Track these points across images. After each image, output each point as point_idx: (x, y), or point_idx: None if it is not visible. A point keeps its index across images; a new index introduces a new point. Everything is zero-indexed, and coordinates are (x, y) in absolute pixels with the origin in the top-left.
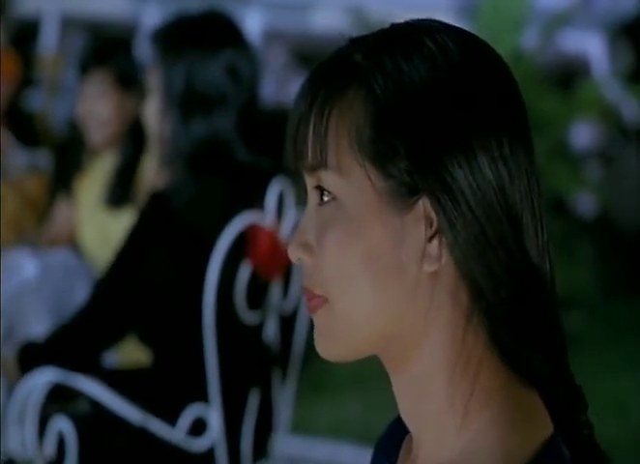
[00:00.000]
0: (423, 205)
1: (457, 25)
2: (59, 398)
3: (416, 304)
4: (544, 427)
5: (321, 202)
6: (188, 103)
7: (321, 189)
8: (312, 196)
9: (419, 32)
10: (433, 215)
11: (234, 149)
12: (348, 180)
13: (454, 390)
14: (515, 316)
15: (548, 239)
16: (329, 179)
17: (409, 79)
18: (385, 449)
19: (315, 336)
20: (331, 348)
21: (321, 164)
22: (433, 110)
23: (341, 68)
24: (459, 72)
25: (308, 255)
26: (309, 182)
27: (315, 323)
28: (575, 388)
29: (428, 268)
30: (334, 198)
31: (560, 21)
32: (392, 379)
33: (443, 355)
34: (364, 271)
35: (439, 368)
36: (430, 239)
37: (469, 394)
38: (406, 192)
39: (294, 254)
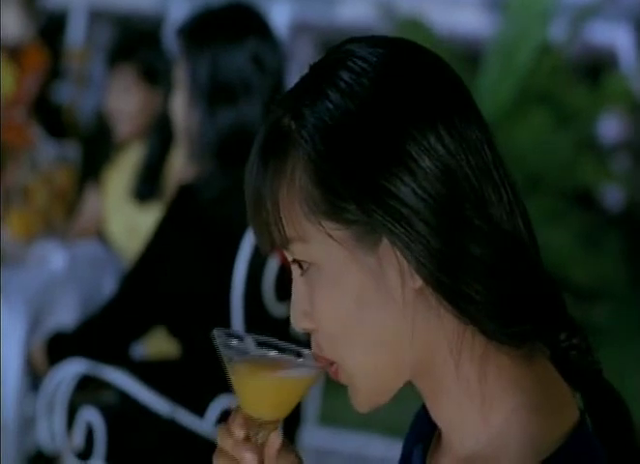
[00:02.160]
0: (386, 238)
1: (375, 35)
2: (87, 390)
3: (410, 324)
4: (570, 410)
5: (302, 271)
6: (213, 95)
7: (298, 261)
8: (294, 268)
9: (333, 67)
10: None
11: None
12: (312, 243)
13: (467, 386)
14: (500, 303)
15: (518, 199)
16: (297, 249)
17: (331, 122)
18: (418, 432)
19: (350, 397)
20: (365, 404)
21: (286, 240)
22: (361, 140)
23: (276, 136)
24: (376, 90)
25: (311, 323)
26: (287, 255)
27: (346, 385)
28: (579, 332)
29: (411, 286)
30: (310, 264)
31: (588, 14)
32: (425, 395)
33: (446, 361)
34: (358, 318)
35: (447, 373)
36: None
37: (482, 385)
38: (367, 233)
39: (299, 325)
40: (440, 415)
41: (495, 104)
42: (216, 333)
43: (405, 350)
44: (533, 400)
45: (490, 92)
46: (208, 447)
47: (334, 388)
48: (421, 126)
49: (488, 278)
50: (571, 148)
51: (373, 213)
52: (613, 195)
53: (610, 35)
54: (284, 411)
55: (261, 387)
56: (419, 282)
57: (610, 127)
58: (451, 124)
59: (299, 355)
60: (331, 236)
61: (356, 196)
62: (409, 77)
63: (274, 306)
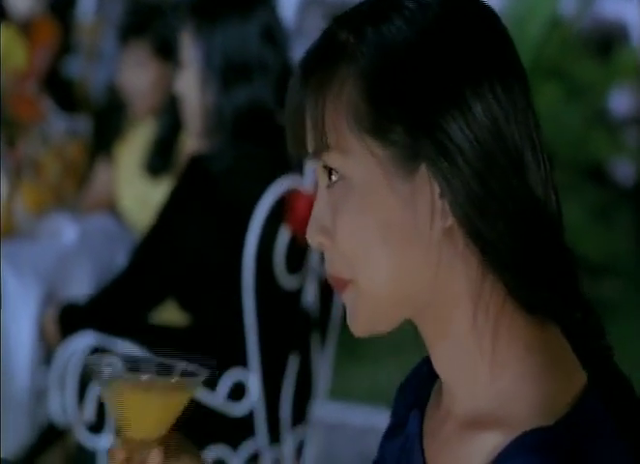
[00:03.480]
0: (426, 168)
1: None
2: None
3: (433, 263)
4: (579, 376)
5: (330, 183)
6: (228, 73)
7: (329, 170)
8: (321, 179)
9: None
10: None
11: (273, 113)
12: (351, 157)
13: (480, 339)
14: (525, 261)
15: (551, 171)
16: (333, 159)
17: (393, 46)
18: (413, 401)
19: (348, 317)
20: (363, 325)
21: (323, 147)
22: (420, 70)
23: (329, 48)
24: (441, 25)
25: (328, 239)
26: (317, 168)
27: (345, 304)
28: (593, 314)
29: (440, 225)
30: (341, 178)
31: None
32: (424, 336)
33: (464, 308)
34: (381, 240)
35: (463, 322)
36: (441, 196)
37: (494, 341)
38: (408, 158)
39: (314, 240)
40: (446, 364)
41: None
42: (88, 359)
43: (423, 285)
44: (543, 363)
45: None
46: (219, 419)
47: (344, 362)
48: (478, 72)
49: (518, 235)
50: (582, 122)
51: (420, 139)
52: (624, 169)
53: (621, 9)
54: (163, 428)
55: (135, 407)
56: (449, 221)
57: (621, 101)
58: (505, 79)
59: (169, 370)
60: (371, 152)
61: (405, 119)
62: (472, 25)
63: (284, 279)
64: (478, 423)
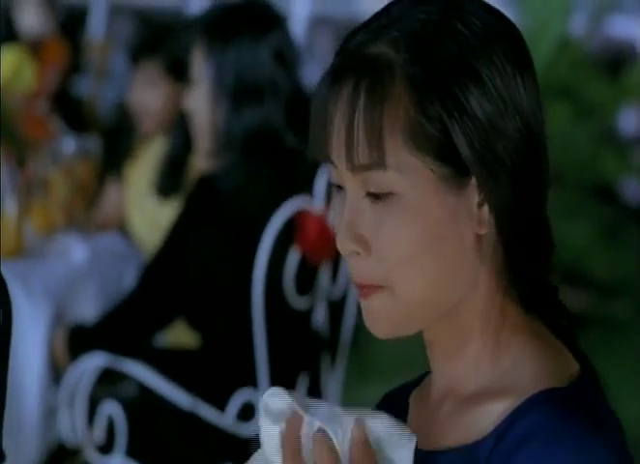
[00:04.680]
0: (475, 181)
1: None
2: (108, 382)
3: (466, 269)
4: (571, 360)
5: (374, 198)
6: (239, 92)
7: (373, 192)
8: (353, 189)
9: (450, 16)
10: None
11: (283, 135)
12: (408, 175)
13: (487, 331)
14: (533, 268)
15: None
16: (387, 177)
17: (437, 55)
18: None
19: (368, 318)
20: (390, 328)
21: (378, 164)
22: (478, 88)
23: (375, 62)
24: (487, 43)
25: (363, 249)
26: (352, 178)
27: (368, 306)
28: (566, 308)
29: (479, 231)
30: (391, 193)
31: (608, 7)
32: (432, 330)
33: (481, 305)
34: (425, 250)
35: (477, 316)
36: (480, 205)
37: (498, 331)
38: (462, 174)
39: (346, 247)
40: (451, 365)
41: None
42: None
43: (454, 290)
44: (542, 345)
45: None
46: (228, 440)
47: (353, 381)
48: (505, 59)
49: (539, 243)
50: (591, 141)
51: (476, 156)
52: (633, 189)
53: (630, 28)
54: None
55: None
56: (484, 229)
57: (630, 120)
58: (538, 98)
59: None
60: (430, 169)
61: (466, 139)
62: (513, 41)
63: (294, 299)
64: (482, 395)
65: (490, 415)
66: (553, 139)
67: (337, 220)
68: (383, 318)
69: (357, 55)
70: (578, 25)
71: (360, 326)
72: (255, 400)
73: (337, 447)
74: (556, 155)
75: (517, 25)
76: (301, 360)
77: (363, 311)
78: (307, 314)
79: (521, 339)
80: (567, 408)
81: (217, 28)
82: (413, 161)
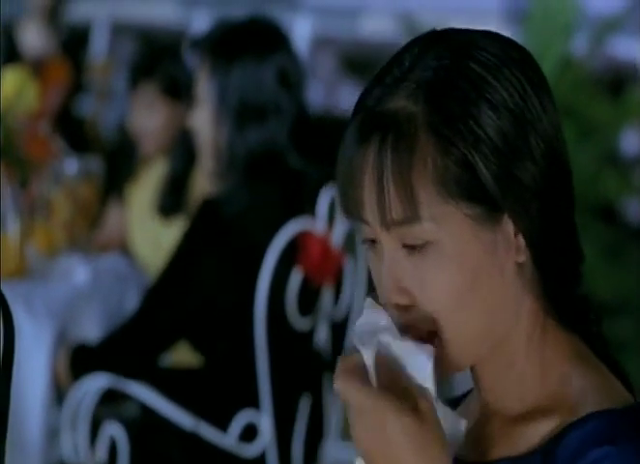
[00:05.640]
0: (507, 215)
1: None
2: (110, 403)
3: (510, 299)
4: (619, 384)
5: (410, 249)
6: (243, 113)
7: (409, 244)
8: (392, 244)
9: (460, 56)
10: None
11: (287, 156)
12: (444, 223)
13: (531, 352)
14: (575, 287)
15: None
16: (423, 229)
17: (461, 103)
18: None
19: (439, 361)
20: (452, 368)
21: (412, 219)
22: (496, 131)
23: (396, 118)
24: (500, 72)
25: (410, 301)
26: (388, 234)
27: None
28: (601, 329)
29: (518, 259)
30: (429, 243)
31: (610, 27)
32: (479, 362)
33: (525, 334)
34: (470, 291)
35: (522, 343)
36: (516, 234)
37: (542, 353)
38: (495, 210)
39: (393, 300)
40: (497, 386)
41: None
42: None
43: (502, 321)
44: (586, 364)
45: None
46: (230, 461)
47: None
48: (540, 124)
49: (573, 266)
50: (593, 162)
51: (506, 193)
52: (635, 209)
53: (633, 49)
54: None
55: None
56: (523, 257)
57: (632, 140)
58: (560, 127)
59: None
60: (464, 213)
61: (493, 178)
62: (529, 75)
63: (296, 320)
64: (529, 414)
65: (538, 432)
66: None
67: (376, 276)
68: (444, 362)
69: (377, 112)
70: (580, 45)
71: None
72: (258, 421)
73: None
74: None
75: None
76: (303, 380)
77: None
78: (310, 335)
79: (565, 358)
80: (622, 426)
81: (221, 47)
82: (447, 209)
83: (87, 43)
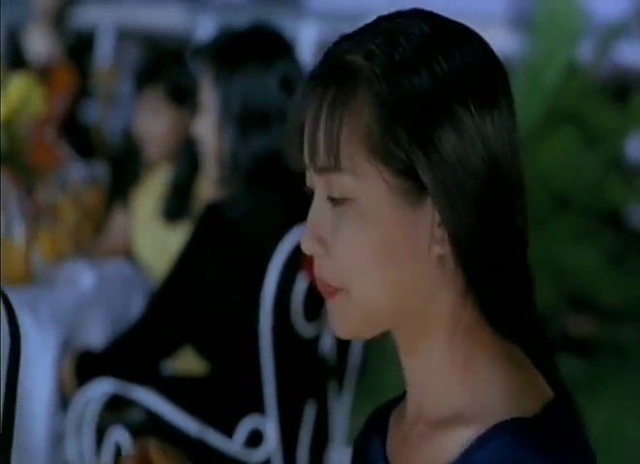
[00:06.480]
0: (430, 201)
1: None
2: (116, 409)
3: (425, 285)
4: (545, 387)
5: (334, 202)
6: (246, 120)
7: (333, 197)
8: (320, 189)
9: (405, 19)
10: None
11: (289, 162)
12: (363, 181)
13: (454, 353)
14: (506, 290)
15: (525, 198)
16: (343, 181)
17: (411, 81)
18: (371, 432)
19: (332, 318)
20: (349, 329)
21: (334, 167)
22: (432, 101)
23: (343, 72)
24: (452, 58)
25: (322, 249)
26: (317, 180)
27: (332, 307)
28: (545, 334)
29: (437, 251)
30: (348, 198)
31: (616, 33)
32: (400, 346)
33: (444, 326)
34: (379, 259)
35: (442, 340)
36: (439, 225)
37: (467, 355)
38: (416, 190)
39: (307, 246)
40: (419, 373)
41: (522, 124)
42: None
43: (412, 304)
44: (511, 371)
45: (517, 112)
46: None
47: (361, 408)
48: (481, 105)
49: (504, 267)
50: (599, 168)
51: (426, 174)
52: None
53: (638, 55)
54: None
55: None
56: (445, 249)
57: (638, 147)
58: (502, 109)
59: None
60: (382, 178)
61: (415, 152)
62: (477, 57)
63: (302, 326)
64: (449, 422)
65: (456, 441)
66: (561, 166)
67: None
68: (342, 320)
69: (333, 63)
70: (586, 52)
71: (367, 353)
72: (263, 427)
73: None
74: (563, 181)
75: (525, 52)
76: (308, 387)
77: (328, 312)
78: (315, 341)
79: (492, 365)
80: (526, 440)
81: (224, 54)
82: (368, 169)
83: (92, 49)
